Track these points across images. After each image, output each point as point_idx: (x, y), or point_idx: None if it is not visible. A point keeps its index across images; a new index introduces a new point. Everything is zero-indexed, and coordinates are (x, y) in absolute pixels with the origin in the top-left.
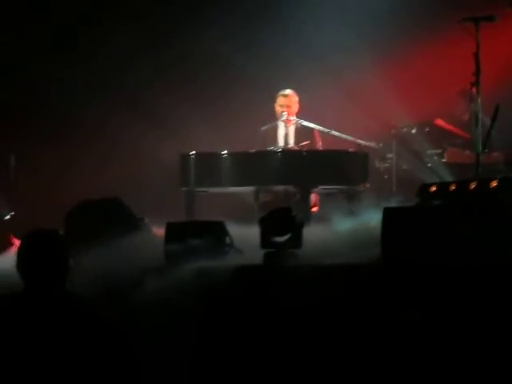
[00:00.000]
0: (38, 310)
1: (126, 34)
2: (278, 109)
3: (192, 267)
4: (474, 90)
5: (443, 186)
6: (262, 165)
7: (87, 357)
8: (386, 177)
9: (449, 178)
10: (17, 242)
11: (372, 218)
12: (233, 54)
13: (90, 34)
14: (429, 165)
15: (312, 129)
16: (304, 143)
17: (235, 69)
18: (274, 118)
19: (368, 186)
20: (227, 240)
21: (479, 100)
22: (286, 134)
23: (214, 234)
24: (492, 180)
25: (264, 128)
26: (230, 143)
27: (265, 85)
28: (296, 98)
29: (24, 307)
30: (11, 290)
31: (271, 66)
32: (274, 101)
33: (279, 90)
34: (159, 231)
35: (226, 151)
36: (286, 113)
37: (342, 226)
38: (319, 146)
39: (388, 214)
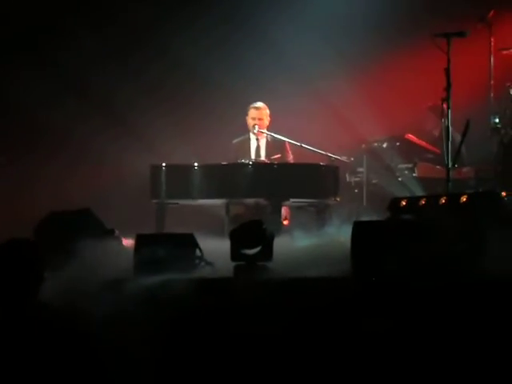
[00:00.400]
0: (11, 319)
1: (94, 38)
2: (249, 121)
3: (160, 279)
4: (444, 105)
5: (413, 200)
6: (233, 177)
7: (59, 365)
8: (356, 191)
9: (419, 193)
10: None
11: (342, 232)
12: (202, 62)
13: (56, 37)
14: (399, 179)
15: (283, 142)
16: (275, 156)
17: (205, 76)
18: (245, 130)
19: (339, 199)
20: (197, 252)
21: (450, 115)
22: (257, 146)
23: (184, 246)
24: (462, 195)
25: (236, 141)
26: (201, 154)
27: (237, 97)
28: (267, 111)
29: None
30: None
31: (243, 78)
32: (245, 113)
33: (251, 103)
34: (129, 243)
35: (196, 163)
36: (257, 126)
37: (304, 241)
38: (290, 159)
39: (358, 227)
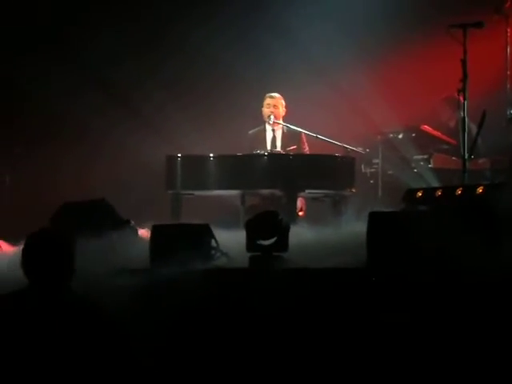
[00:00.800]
0: (44, 308)
1: (113, 33)
2: (265, 110)
3: (177, 270)
4: (460, 96)
5: (429, 191)
6: (249, 168)
7: (91, 355)
8: (372, 182)
9: (435, 184)
10: (3, 245)
11: (358, 223)
12: (220, 55)
13: (76, 32)
14: (415, 170)
15: (299, 133)
16: (291, 148)
17: (222, 69)
18: (261, 121)
19: (354, 190)
20: (213, 243)
21: (466, 106)
22: (273, 137)
23: (200, 236)
24: (478, 186)
25: (251, 132)
26: (218, 146)
27: (253, 89)
28: (283, 101)
29: (29, 305)
30: (13, 289)
31: (260, 70)
32: (261, 105)
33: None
34: (145, 233)
35: (212, 154)
36: (272, 116)
37: (328, 230)
38: (306, 150)
39: (374, 218)
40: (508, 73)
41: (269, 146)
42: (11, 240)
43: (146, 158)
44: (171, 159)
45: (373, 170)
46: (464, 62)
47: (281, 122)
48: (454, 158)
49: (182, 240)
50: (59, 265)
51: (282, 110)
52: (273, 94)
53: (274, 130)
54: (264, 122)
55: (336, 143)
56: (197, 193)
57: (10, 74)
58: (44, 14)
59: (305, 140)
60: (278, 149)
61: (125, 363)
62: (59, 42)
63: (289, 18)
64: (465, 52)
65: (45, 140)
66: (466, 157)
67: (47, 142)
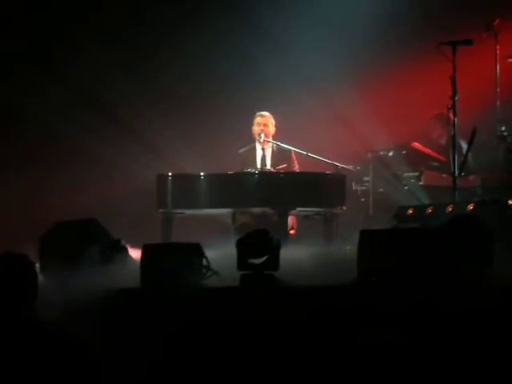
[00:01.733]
0: (5, 335)
1: (103, 50)
2: (255, 129)
3: (168, 289)
4: (450, 113)
5: (420, 208)
6: (240, 187)
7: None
8: (363, 199)
9: (426, 201)
10: None
11: (349, 241)
12: (209, 73)
13: (66, 50)
14: (406, 188)
15: (289, 151)
16: (281, 166)
17: (216, 89)
18: (251, 140)
19: (345, 208)
20: (204, 262)
21: (456, 123)
22: (263, 156)
23: (191, 255)
24: (469, 203)
25: (242, 150)
26: (209, 164)
27: (244, 107)
28: (272, 120)
29: None
30: None
31: (251, 88)
32: (251, 123)
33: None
34: (136, 253)
35: (203, 172)
36: (263, 134)
37: (318, 248)
38: (296, 168)
39: (364, 236)
40: (498, 90)
41: (259, 165)
42: None
43: (137, 176)
44: (162, 178)
45: (364, 187)
46: (453, 79)
47: (271, 140)
48: (444, 175)
49: (172, 259)
50: (21, 290)
51: (271, 129)
52: (263, 113)
53: (263, 149)
54: (254, 141)
55: (326, 161)
56: (188, 212)
57: (0, 93)
58: (32, 33)
59: (295, 158)
60: (268, 167)
61: None
62: (49, 61)
63: (279, 33)
64: (454, 69)
65: (33, 159)
66: (457, 174)
67: (36, 161)
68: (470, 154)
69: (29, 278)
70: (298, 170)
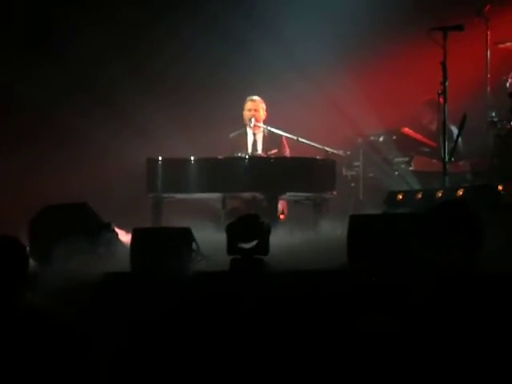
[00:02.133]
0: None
1: (96, 33)
2: (246, 114)
3: (158, 273)
4: (441, 99)
5: (410, 194)
6: (230, 171)
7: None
8: (353, 184)
9: (416, 186)
10: None
11: (338, 226)
12: (206, 57)
13: (59, 33)
14: (396, 173)
15: (280, 136)
16: (272, 151)
17: (208, 73)
18: (242, 124)
19: (335, 193)
20: (194, 246)
21: (446, 109)
22: (254, 141)
23: (181, 240)
24: (458, 189)
25: (232, 135)
26: (199, 148)
27: (236, 91)
28: (263, 105)
29: None
30: None
31: (243, 72)
32: (242, 108)
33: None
34: (126, 237)
35: (193, 157)
36: (253, 119)
37: (308, 233)
38: (287, 153)
39: (354, 221)
40: (488, 76)
41: (250, 150)
42: None
43: (128, 160)
44: (152, 162)
45: (354, 172)
46: (444, 65)
47: (262, 125)
48: (434, 160)
49: (162, 243)
50: (10, 274)
51: (262, 114)
52: (253, 98)
53: (254, 134)
54: (245, 125)
55: (317, 146)
56: (178, 196)
57: None
58: (24, 16)
59: (285, 143)
60: (259, 152)
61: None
62: (41, 44)
63: (271, 18)
64: (445, 55)
65: (26, 142)
66: (447, 159)
67: (28, 143)
68: (460, 139)
69: (19, 261)
70: (288, 155)
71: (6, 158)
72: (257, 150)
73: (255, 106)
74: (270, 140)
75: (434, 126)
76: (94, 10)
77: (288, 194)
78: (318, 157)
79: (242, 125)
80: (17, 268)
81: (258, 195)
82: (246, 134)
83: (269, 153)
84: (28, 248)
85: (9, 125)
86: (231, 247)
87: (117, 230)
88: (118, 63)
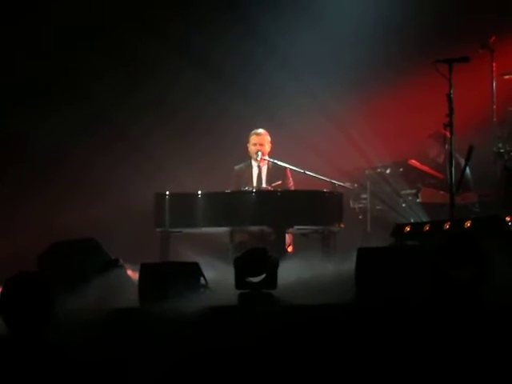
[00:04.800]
0: (23, 354)
1: (113, 74)
2: (251, 148)
3: (166, 308)
4: (447, 131)
5: (418, 226)
6: (237, 205)
7: None
8: (360, 217)
9: (423, 218)
10: None
11: (346, 259)
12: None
13: (77, 74)
14: (403, 205)
15: (284, 168)
16: (276, 183)
17: (211, 102)
18: (247, 156)
19: (343, 226)
20: (202, 281)
21: (452, 141)
22: (258, 173)
23: (189, 275)
24: (466, 220)
25: (237, 167)
26: (206, 182)
27: (243, 124)
28: (268, 137)
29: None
30: None
31: (250, 106)
32: (247, 140)
33: (253, 130)
34: (134, 272)
35: (200, 191)
36: (260, 152)
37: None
38: (291, 185)
39: (362, 254)
40: (494, 107)
41: (255, 182)
42: None
43: (133, 194)
44: (160, 197)
45: (361, 205)
46: (450, 97)
47: (268, 158)
48: (441, 192)
49: (170, 278)
50: (38, 310)
51: (267, 146)
52: (258, 131)
53: (259, 166)
54: (250, 158)
55: (324, 178)
56: (185, 230)
57: (13, 115)
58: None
59: (290, 175)
60: (264, 184)
61: None
62: (59, 85)
63: (284, 46)
64: (450, 87)
65: (33, 180)
66: (454, 191)
67: (36, 182)
68: (469, 171)
69: (46, 297)
70: (292, 187)
71: (12, 196)
72: (261, 183)
73: (260, 141)
74: (275, 172)
75: (441, 159)
76: (110, 51)
77: (295, 227)
78: (325, 189)
79: (246, 157)
80: (39, 305)
81: (266, 228)
82: (251, 166)
83: (273, 185)
84: None
85: (14, 163)
86: (239, 281)
87: (125, 265)
88: (132, 100)
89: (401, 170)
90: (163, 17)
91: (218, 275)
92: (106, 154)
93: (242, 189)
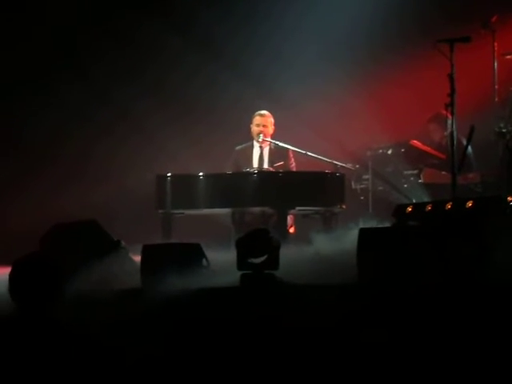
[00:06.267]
0: (31, 332)
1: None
2: (254, 128)
3: (168, 289)
4: (448, 111)
5: (419, 206)
6: (239, 186)
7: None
8: (362, 198)
9: (425, 199)
10: None
11: (348, 239)
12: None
13: (76, 56)
14: (405, 185)
15: (286, 149)
16: (278, 164)
17: (219, 91)
18: (249, 137)
19: (344, 207)
20: (204, 262)
21: (454, 121)
22: (260, 154)
23: (191, 256)
24: (468, 200)
25: (239, 148)
26: (208, 163)
27: (245, 105)
28: (271, 119)
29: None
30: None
31: (253, 87)
32: (250, 121)
33: (256, 111)
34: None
35: (202, 173)
36: (262, 134)
37: (319, 246)
38: (292, 166)
39: (364, 234)
40: (496, 87)
41: (256, 163)
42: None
43: (135, 176)
44: (161, 178)
45: (363, 185)
46: (451, 77)
47: (270, 139)
48: (443, 172)
49: (172, 260)
50: (47, 289)
51: (270, 128)
52: (262, 112)
53: (261, 147)
54: (252, 139)
55: (325, 160)
56: (187, 212)
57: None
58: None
59: (291, 156)
60: (266, 165)
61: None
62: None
63: (279, 33)
64: (452, 67)
65: (34, 164)
66: (456, 171)
67: (36, 165)
68: (471, 151)
69: (55, 277)
70: (294, 168)
71: (11, 176)
72: (263, 164)
73: (264, 122)
74: (276, 153)
75: (444, 141)
76: (113, 33)
77: (297, 208)
78: (326, 171)
79: (248, 138)
80: (47, 285)
81: (268, 210)
82: (252, 147)
83: (275, 165)
84: None
85: (16, 145)
86: (241, 262)
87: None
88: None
89: (402, 150)
90: None
91: (220, 256)
92: (107, 137)
93: (244, 170)
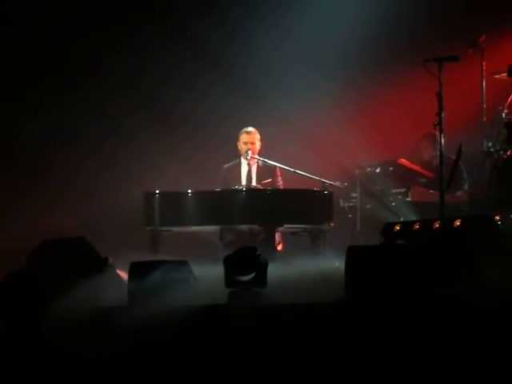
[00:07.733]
0: (16, 348)
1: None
2: (242, 146)
3: (156, 307)
4: (436, 130)
5: (407, 225)
6: (227, 204)
7: None
8: (350, 216)
9: (413, 217)
10: None
11: (336, 257)
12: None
13: (68, 69)
14: (393, 204)
15: (274, 167)
16: (265, 181)
17: (209, 107)
18: (236, 155)
19: (332, 225)
20: (192, 279)
21: (442, 140)
22: (248, 171)
23: (179, 273)
24: (455, 219)
25: (226, 166)
26: (196, 181)
27: (231, 124)
28: (258, 136)
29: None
30: None
31: (239, 105)
32: (236, 139)
33: (243, 128)
34: (123, 272)
35: (190, 190)
36: (250, 151)
37: (306, 265)
38: (280, 184)
39: (352, 253)
40: (484, 106)
41: (244, 180)
42: None
43: (122, 193)
44: (149, 195)
45: (351, 203)
46: (440, 96)
47: (258, 157)
48: (431, 191)
49: (160, 277)
50: (33, 307)
51: (258, 145)
52: (248, 130)
53: (249, 164)
54: (239, 156)
55: (314, 177)
56: (175, 229)
57: None
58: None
59: (279, 173)
60: (254, 183)
61: None
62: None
63: (268, 49)
64: (440, 85)
65: (24, 179)
66: (444, 190)
67: (26, 181)
68: (463, 169)
69: (42, 295)
70: (281, 186)
71: (21, 194)
72: (251, 181)
73: (251, 139)
74: (264, 171)
75: (435, 161)
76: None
77: (285, 226)
78: (314, 188)
79: (236, 155)
80: (32, 303)
81: (255, 227)
82: (240, 164)
83: (263, 182)
84: None
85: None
86: (229, 280)
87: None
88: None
89: (391, 169)
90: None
91: (208, 274)
92: (96, 153)
93: (232, 187)
